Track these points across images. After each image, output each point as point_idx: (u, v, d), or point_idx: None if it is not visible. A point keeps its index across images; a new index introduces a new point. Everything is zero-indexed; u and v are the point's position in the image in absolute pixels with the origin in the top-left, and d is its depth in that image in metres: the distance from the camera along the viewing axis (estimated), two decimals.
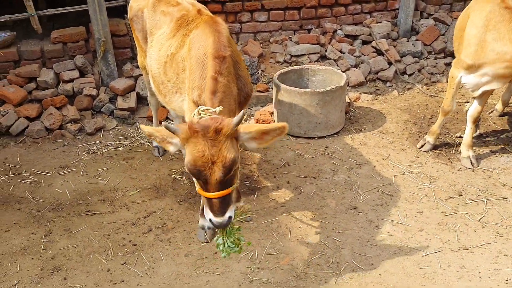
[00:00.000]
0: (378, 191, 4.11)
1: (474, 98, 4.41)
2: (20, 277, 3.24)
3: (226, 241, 2.82)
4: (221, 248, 2.83)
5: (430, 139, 4.70)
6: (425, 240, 3.51)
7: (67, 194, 4.14)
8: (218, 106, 2.86)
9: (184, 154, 2.82)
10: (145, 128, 2.81)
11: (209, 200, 2.72)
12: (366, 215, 3.80)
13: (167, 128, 2.69)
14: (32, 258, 3.42)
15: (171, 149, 2.86)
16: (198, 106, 3.07)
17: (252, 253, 3.42)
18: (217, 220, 2.72)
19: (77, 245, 3.54)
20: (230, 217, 2.76)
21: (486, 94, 4.30)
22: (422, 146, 4.71)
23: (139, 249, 3.49)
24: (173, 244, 3.53)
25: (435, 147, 4.71)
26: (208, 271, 3.27)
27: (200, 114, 2.81)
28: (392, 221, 3.73)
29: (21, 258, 3.42)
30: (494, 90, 4.33)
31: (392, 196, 4.04)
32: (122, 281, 3.20)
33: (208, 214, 2.76)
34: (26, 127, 4.97)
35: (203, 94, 2.98)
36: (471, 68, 4.07)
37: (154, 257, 3.42)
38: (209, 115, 2.77)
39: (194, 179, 2.83)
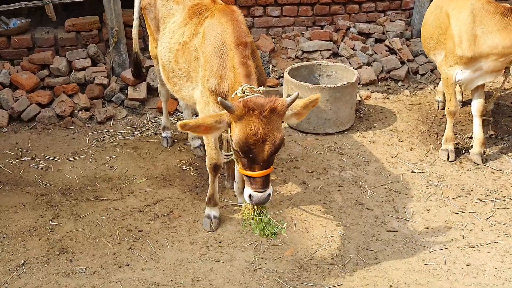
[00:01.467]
0: (386, 188, 4.09)
1: (471, 93, 4.47)
2: (27, 257, 3.28)
3: (262, 220, 2.83)
4: (256, 227, 2.84)
5: (450, 146, 4.53)
6: (431, 237, 3.49)
7: (76, 179, 4.18)
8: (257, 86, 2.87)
9: (229, 135, 2.80)
10: (191, 122, 2.76)
11: (251, 177, 2.77)
12: (373, 211, 3.79)
13: (222, 103, 2.66)
14: (39, 240, 3.46)
15: (215, 134, 2.85)
16: (217, 95, 3.08)
17: (257, 243, 3.43)
18: (257, 194, 2.75)
19: (83, 229, 3.57)
20: (269, 194, 2.80)
21: (481, 86, 4.37)
22: (448, 157, 4.49)
23: (144, 235, 3.52)
24: (178, 232, 3.55)
25: (458, 152, 4.57)
26: (212, 259, 3.28)
27: (244, 93, 2.79)
28: (398, 217, 3.71)
29: (29, 239, 3.47)
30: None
31: (399, 193, 4.02)
32: (127, 265, 3.23)
33: (248, 190, 2.79)
34: (38, 113, 5.02)
35: (234, 82, 2.95)
36: (470, 61, 4.09)
37: (160, 243, 3.44)
38: (252, 94, 2.77)
39: (238, 158, 2.83)
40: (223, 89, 3.15)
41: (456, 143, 4.68)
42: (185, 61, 3.54)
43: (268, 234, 2.85)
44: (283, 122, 2.90)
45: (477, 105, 4.43)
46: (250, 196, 2.80)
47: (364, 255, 3.31)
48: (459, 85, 4.48)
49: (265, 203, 2.84)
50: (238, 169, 2.93)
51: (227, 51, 3.12)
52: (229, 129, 2.88)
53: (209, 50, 3.22)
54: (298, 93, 2.82)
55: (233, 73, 3.03)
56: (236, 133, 2.70)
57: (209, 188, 3.63)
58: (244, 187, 3.70)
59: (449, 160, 4.48)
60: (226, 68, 3.12)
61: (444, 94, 5.16)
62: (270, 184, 2.83)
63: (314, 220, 3.68)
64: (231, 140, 2.81)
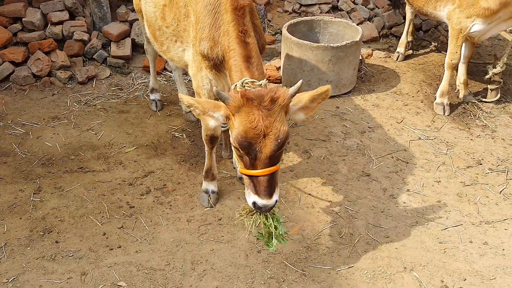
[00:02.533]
0: (393, 157, 3.85)
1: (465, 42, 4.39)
2: (7, 239, 2.99)
3: (272, 228, 2.52)
4: (265, 237, 2.54)
5: (445, 100, 4.44)
6: (443, 212, 3.30)
7: (58, 148, 3.82)
8: (259, 76, 2.56)
9: (229, 131, 2.49)
10: (185, 98, 2.47)
11: (254, 179, 2.44)
12: (380, 183, 3.56)
13: (217, 94, 2.38)
14: (21, 218, 3.15)
15: (211, 123, 2.55)
16: (209, 59, 2.73)
17: (259, 221, 3.18)
18: (263, 202, 2.42)
19: (69, 205, 3.27)
20: (276, 200, 2.47)
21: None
22: (444, 111, 4.42)
23: (137, 212, 3.24)
24: (174, 208, 3.28)
25: (453, 107, 4.47)
26: (212, 239, 3.04)
27: (244, 87, 2.49)
28: (408, 190, 3.50)
29: (8, 217, 3.15)
30: None
31: (407, 163, 3.79)
32: (119, 247, 2.96)
33: (252, 197, 2.46)
34: (12, 73, 4.57)
35: (233, 59, 2.62)
36: (494, 13, 3.94)
37: (154, 221, 3.17)
38: (253, 88, 2.47)
39: (238, 157, 2.52)
40: (217, 55, 2.81)
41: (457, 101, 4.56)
42: (173, 18, 3.12)
43: (271, 245, 2.56)
44: (289, 119, 2.57)
45: (467, 52, 4.47)
46: (254, 203, 2.47)
47: (374, 232, 3.11)
48: (469, 37, 4.24)
49: (270, 210, 2.49)
50: (239, 170, 2.56)
51: (221, 10, 2.74)
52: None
53: (200, 7, 2.82)
54: (301, 82, 2.46)
55: (228, 41, 2.66)
56: (235, 127, 2.40)
57: (206, 161, 3.33)
58: None
59: (445, 114, 4.41)
60: (220, 31, 2.75)
61: (405, 47, 5.32)
62: (277, 188, 2.49)
63: (319, 194, 3.44)
64: (231, 136, 2.49)
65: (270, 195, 2.43)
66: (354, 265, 2.87)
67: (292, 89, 2.43)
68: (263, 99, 2.36)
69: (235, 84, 2.55)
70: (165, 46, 3.34)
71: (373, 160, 3.81)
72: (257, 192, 2.44)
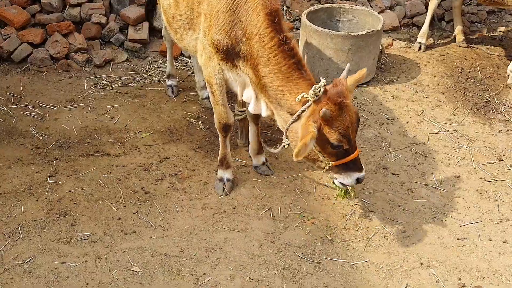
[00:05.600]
0: (411, 151, 3.78)
1: None
2: (24, 220, 3.01)
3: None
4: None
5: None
6: (462, 208, 3.23)
7: (74, 131, 3.82)
8: (314, 79, 2.77)
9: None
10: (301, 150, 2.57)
11: (351, 162, 2.70)
12: (398, 176, 3.50)
13: (324, 117, 2.55)
14: (37, 200, 3.17)
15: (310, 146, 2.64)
16: (226, 54, 2.81)
17: (273, 210, 3.16)
18: (363, 174, 2.77)
19: (85, 189, 3.28)
20: None
21: None
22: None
23: (152, 198, 3.23)
24: (188, 195, 3.27)
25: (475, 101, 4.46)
26: (226, 227, 3.03)
27: (316, 95, 2.61)
28: (426, 184, 3.44)
29: (25, 199, 3.17)
30: None
31: (426, 156, 3.71)
32: (134, 232, 2.97)
33: (354, 175, 2.74)
34: (30, 54, 4.57)
35: (278, 67, 2.70)
36: None
37: (168, 207, 3.16)
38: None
39: (327, 154, 2.70)
40: (238, 52, 2.79)
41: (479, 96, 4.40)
42: (186, 6, 3.06)
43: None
44: None
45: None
46: (357, 179, 2.76)
47: (391, 227, 3.06)
48: None
49: None
50: (330, 165, 2.73)
51: (248, 9, 2.70)
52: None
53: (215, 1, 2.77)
54: (349, 65, 2.76)
55: (263, 49, 2.69)
56: (333, 132, 2.59)
57: (220, 149, 3.30)
58: (259, 148, 3.41)
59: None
60: (245, 31, 2.71)
61: (427, 37, 5.30)
62: None
63: (334, 186, 3.38)
64: (327, 143, 2.65)
65: (363, 167, 2.79)
66: (369, 259, 2.84)
67: (344, 73, 2.69)
68: (344, 95, 2.58)
69: (301, 95, 2.63)
70: (179, 34, 3.29)
71: (391, 152, 3.74)
72: (357, 169, 2.73)
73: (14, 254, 2.77)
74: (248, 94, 2.97)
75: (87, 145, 3.70)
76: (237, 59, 2.82)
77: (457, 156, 3.73)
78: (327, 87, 2.62)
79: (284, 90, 2.70)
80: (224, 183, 3.29)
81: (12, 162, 3.48)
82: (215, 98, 3.07)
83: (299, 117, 2.67)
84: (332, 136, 2.59)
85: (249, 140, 3.54)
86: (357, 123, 2.70)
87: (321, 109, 2.54)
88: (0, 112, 3.98)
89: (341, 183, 2.80)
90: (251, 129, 3.45)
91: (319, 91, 2.58)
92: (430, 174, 3.52)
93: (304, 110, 2.64)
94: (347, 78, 2.67)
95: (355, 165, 2.71)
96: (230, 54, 2.81)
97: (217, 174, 3.34)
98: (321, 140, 2.62)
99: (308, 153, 2.61)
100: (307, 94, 2.60)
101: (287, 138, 2.81)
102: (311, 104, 2.61)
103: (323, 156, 2.71)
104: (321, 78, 2.65)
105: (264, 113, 2.94)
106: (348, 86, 2.64)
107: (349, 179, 2.75)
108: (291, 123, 2.72)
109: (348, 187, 2.85)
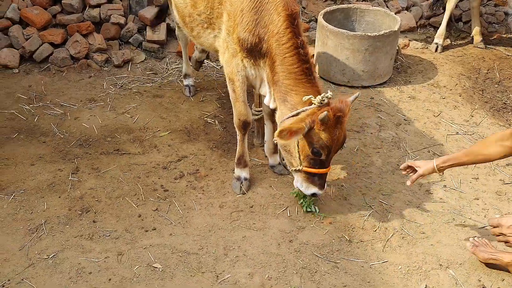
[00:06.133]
0: (429, 152, 3.77)
1: None
2: (48, 216, 3.07)
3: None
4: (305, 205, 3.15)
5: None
6: (481, 210, 3.22)
7: (95, 130, 3.89)
8: (322, 88, 2.92)
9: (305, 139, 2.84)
10: (286, 128, 2.75)
11: (317, 176, 2.90)
12: None
13: (322, 120, 2.69)
14: (60, 197, 3.24)
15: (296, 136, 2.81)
16: (249, 52, 2.93)
17: (290, 209, 3.18)
18: (321, 192, 2.98)
19: (106, 186, 3.33)
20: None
21: None
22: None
23: (171, 196, 3.28)
24: (206, 193, 3.30)
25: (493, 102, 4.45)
26: (244, 226, 3.06)
27: (321, 103, 2.79)
28: (444, 186, 3.43)
29: (48, 195, 3.24)
30: None
31: None
32: (154, 229, 3.01)
33: (312, 189, 2.94)
34: (51, 54, 4.65)
35: (291, 67, 2.84)
36: None
37: (187, 205, 3.20)
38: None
39: (305, 157, 2.87)
40: (260, 50, 2.92)
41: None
42: (206, 6, 3.12)
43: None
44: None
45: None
46: (314, 194, 2.97)
47: (409, 228, 3.06)
48: None
49: None
50: (301, 168, 2.90)
51: (270, 9, 2.82)
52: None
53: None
54: (359, 94, 3.01)
55: (280, 50, 2.83)
56: (320, 137, 2.76)
57: (238, 147, 3.34)
58: (275, 148, 3.44)
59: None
60: (266, 29, 2.84)
61: (444, 38, 5.28)
62: None
63: (352, 186, 3.40)
64: (310, 146, 2.82)
65: (324, 187, 2.98)
66: (388, 260, 2.84)
67: (351, 99, 2.86)
68: (345, 113, 2.77)
69: (309, 96, 2.80)
70: (195, 32, 3.36)
71: (408, 153, 3.74)
72: (319, 186, 2.93)
73: (38, 249, 2.84)
74: (265, 89, 3.11)
75: (107, 143, 3.76)
76: (258, 57, 2.93)
77: None
78: (331, 100, 2.82)
79: (293, 90, 2.86)
80: (242, 182, 3.32)
81: (35, 160, 3.55)
82: (236, 95, 3.12)
83: (298, 114, 2.82)
84: (318, 141, 2.76)
85: (265, 139, 3.58)
86: (342, 144, 2.89)
87: (322, 112, 2.70)
88: (22, 110, 4.07)
89: (299, 188, 3.01)
90: (267, 128, 3.49)
91: (325, 100, 2.77)
92: (449, 176, 3.51)
93: (305, 110, 2.81)
94: (352, 101, 2.87)
95: (319, 180, 2.91)
96: (252, 52, 2.91)
97: (234, 173, 3.38)
98: (306, 139, 2.80)
99: (288, 143, 2.83)
100: (314, 99, 2.78)
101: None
102: (313, 107, 2.78)
103: (299, 157, 2.88)
104: (328, 91, 2.88)
105: (272, 105, 3.08)
106: (349, 109, 2.83)
107: (307, 190, 2.96)
108: (289, 117, 2.86)
109: (309, 198, 3.09)
